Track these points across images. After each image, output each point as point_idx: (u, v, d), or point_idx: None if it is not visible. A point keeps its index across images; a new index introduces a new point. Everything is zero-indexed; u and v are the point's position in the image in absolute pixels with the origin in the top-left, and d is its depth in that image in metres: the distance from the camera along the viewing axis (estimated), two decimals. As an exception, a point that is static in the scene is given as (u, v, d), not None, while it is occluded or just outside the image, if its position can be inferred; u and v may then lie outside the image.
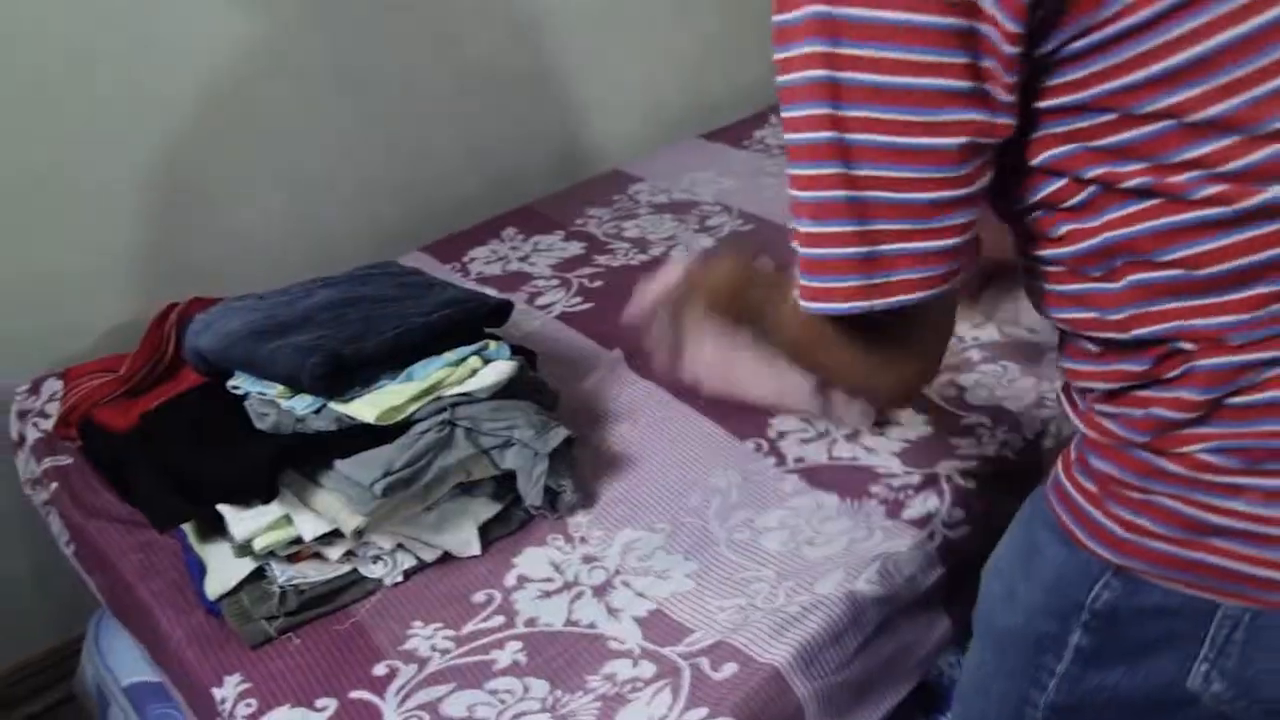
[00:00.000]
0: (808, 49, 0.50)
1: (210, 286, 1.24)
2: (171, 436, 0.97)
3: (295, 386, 0.92)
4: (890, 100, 0.50)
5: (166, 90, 1.29)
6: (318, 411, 0.91)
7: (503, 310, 1.04)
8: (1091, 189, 0.53)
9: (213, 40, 1.31)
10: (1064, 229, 0.55)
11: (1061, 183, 0.54)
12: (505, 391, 0.96)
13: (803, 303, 0.58)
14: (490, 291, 1.35)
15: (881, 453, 1.03)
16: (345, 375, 0.91)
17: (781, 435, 1.07)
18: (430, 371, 0.93)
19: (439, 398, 0.93)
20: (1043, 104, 0.52)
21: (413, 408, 0.92)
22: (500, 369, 0.95)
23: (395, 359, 0.94)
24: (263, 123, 1.40)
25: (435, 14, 1.52)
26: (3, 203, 1.21)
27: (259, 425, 0.92)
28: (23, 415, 1.19)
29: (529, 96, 1.68)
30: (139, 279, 1.34)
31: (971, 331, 1.20)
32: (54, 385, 1.19)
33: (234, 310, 1.01)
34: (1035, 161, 0.54)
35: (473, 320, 1.01)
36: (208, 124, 1.34)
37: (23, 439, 1.17)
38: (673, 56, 1.88)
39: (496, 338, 1.02)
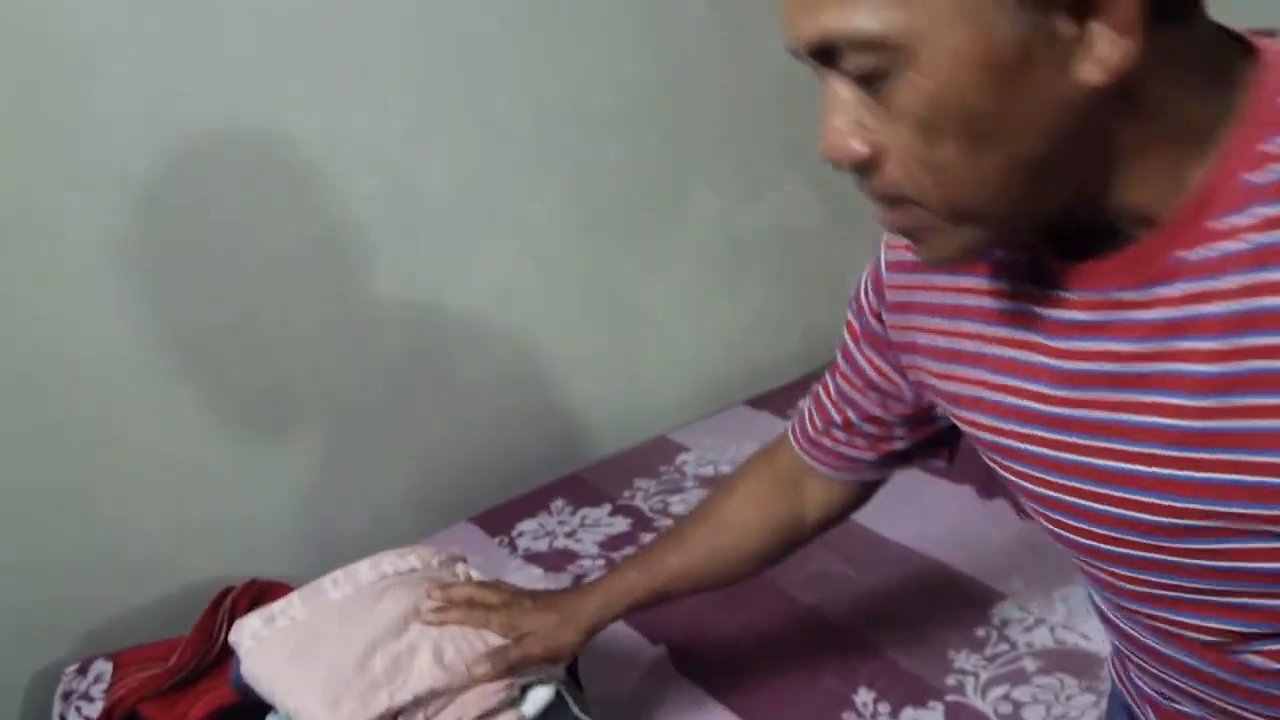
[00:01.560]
0: None
1: (262, 560, 1.27)
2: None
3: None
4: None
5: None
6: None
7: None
8: None
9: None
10: None
11: None
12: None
13: None
14: (536, 570, 1.38)
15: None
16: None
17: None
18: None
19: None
20: None
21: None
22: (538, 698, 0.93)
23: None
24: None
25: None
26: (65, 464, 1.27)
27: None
28: (67, 696, 1.19)
29: (585, 364, 1.76)
30: (188, 553, 1.38)
31: (1025, 636, 1.18)
32: (102, 667, 1.20)
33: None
34: None
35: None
36: (256, 378, 1.42)
37: (64, 722, 1.17)
38: (722, 326, 1.97)
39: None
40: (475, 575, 1.09)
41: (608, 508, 1.54)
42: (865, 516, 1.48)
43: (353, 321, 1.46)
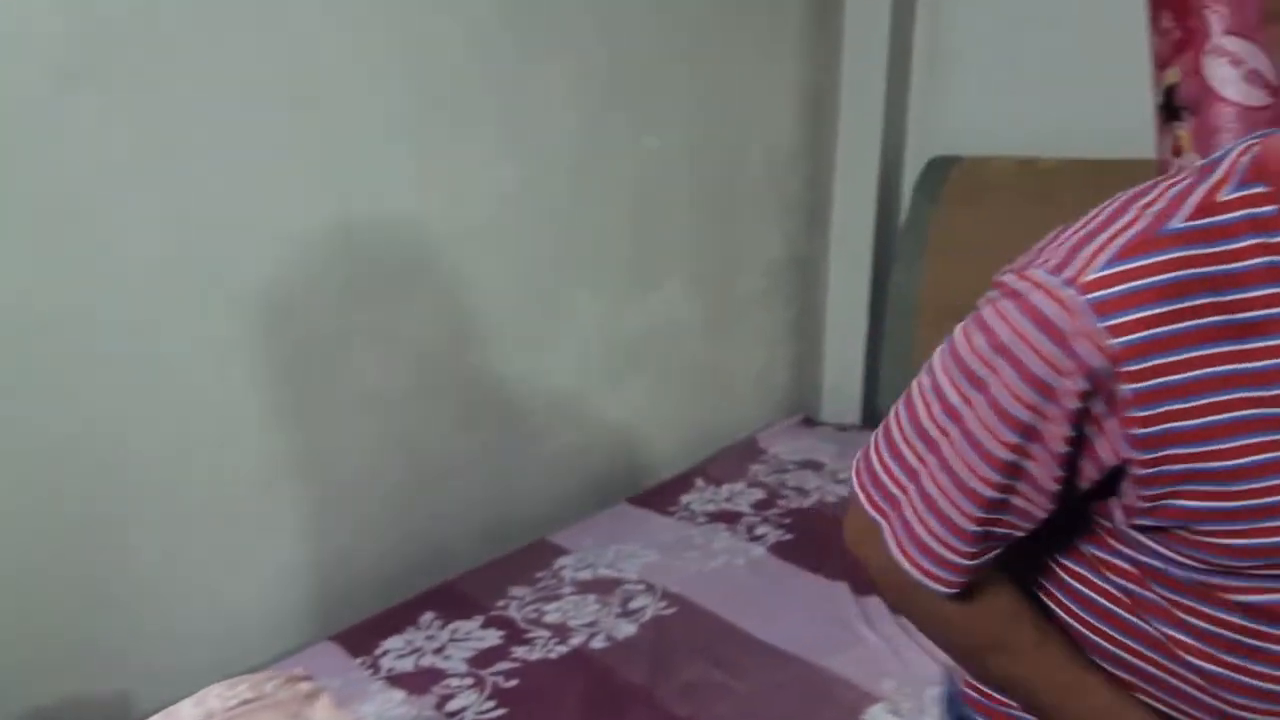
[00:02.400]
0: None
1: (113, 674, 1.16)
2: None
3: None
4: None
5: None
6: None
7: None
8: None
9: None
10: None
11: None
12: None
13: None
14: (398, 694, 1.31)
15: None
16: None
17: None
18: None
19: None
20: None
21: None
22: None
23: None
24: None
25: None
26: None
27: None
28: None
29: (459, 471, 1.71)
30: (41, 661, 1.26)
31: None
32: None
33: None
34: None
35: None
36: (134, 510, 1.33)
37: None
38: (605, 425, 1.96)
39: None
40: (325, 700, 1.02)
41: (479, 620, 1.48)
42: (741, 618, 1.48)
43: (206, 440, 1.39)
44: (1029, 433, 0.59)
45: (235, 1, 1.27)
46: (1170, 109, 1.56)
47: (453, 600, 1.54)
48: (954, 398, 0.63)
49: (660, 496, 1.92)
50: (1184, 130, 1.54)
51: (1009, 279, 0.60)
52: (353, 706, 1.25)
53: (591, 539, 1.74)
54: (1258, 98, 1.47)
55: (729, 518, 1.83)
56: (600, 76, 1.78)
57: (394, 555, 1.62)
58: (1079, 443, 0.60)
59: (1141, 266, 0.56)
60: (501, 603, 1.53)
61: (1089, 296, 0.56)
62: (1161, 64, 1.58)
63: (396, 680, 1.34)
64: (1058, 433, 0.59)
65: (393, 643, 1.43)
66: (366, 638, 1.44)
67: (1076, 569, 0.69)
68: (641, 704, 1.29)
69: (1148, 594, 0.64)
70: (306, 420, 1.48)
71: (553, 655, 1.39)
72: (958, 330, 0.64)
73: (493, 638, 1.44)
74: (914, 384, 0.67)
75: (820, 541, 1.70)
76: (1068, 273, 0.57)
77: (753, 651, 1.39)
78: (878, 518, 0.68)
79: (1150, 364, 0.56)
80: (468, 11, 1.55)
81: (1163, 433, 0.56)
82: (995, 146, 2.12)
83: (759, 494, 1.94)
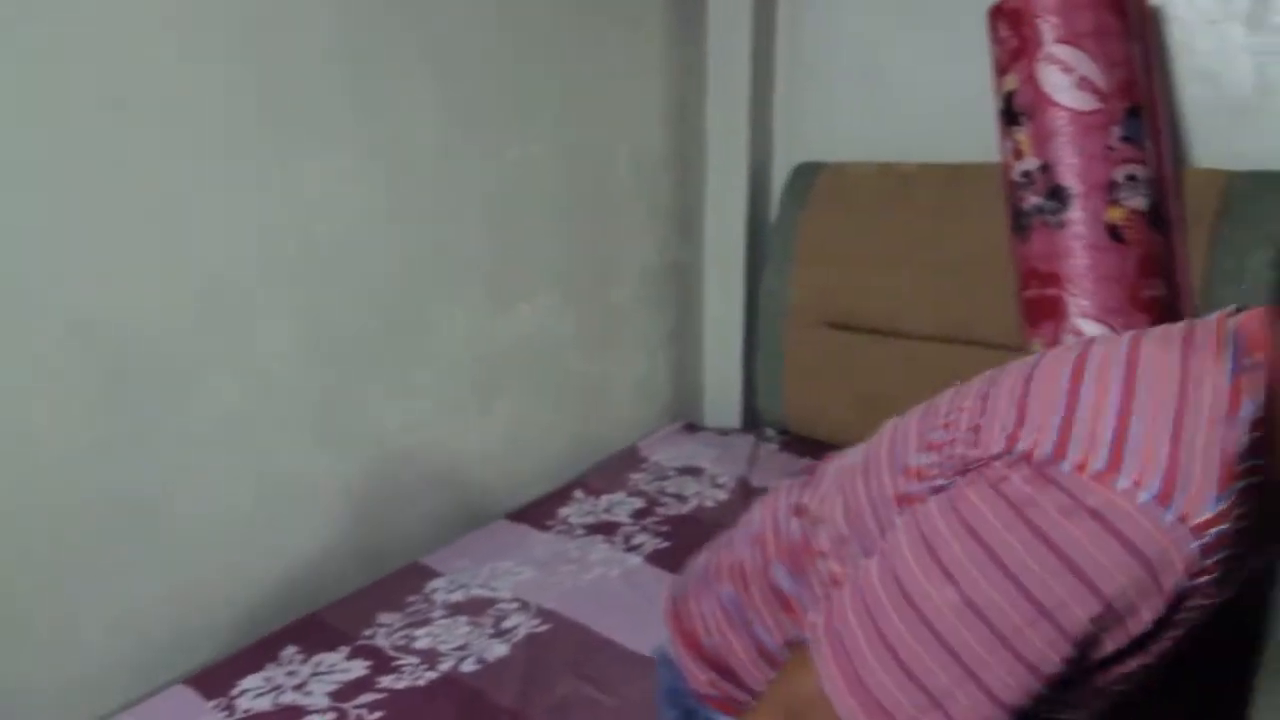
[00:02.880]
0: None
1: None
2: None
3: None
4: None
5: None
6: None
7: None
8: None
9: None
10: None
11: None
12: None
13: None
14: (256, 734, 1.25)
15: None
16: None
17: None
18: None
19: None
20: None
21: None
22: None
23: None
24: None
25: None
26: None
27: None
28: None
29: (324, 497, 1.65)
30: None
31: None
32: None
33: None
34: None
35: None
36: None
37: None
38: (478, 441, 1.92)
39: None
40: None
41: (345, 650, 1.43)
42: (614, 630, 1.47)
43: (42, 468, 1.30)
44: (1086, 642, 0.58)
45: None
46: (1010, 114, 1.63)
47: (317, 632, 1.48)
48: (986, 604, 0.58)
49: (538, 511, 1.90)
50: (1023, 134, 1.60)
51: (1075, 482, 0.56)
52: (203, 753, 1.19)
53: (467, 560, 1.70)
54: (1087, 103, 1.54)
55: (607, 529, 1.82)
56: (462, 87, 1.75)
57: (255, 589, 1.55)
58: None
59: (1237, 497, 0.55)
60: (369, 631, 1.48)
61: (1202, 542, 0.54)
62: (1001, 71, 1.65)
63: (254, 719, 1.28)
64: (1111, 646, 0.59)
65: (251, 681, 1.36)
66: (222, 678, 1.37)
67: None
68: (510, 727, 1.26)
69: None
70: (152, 450, 1.40)
71: (421, 682, 1.35)
72: (983, 521, 0.59)
73: (359, 668, 1.39)
74: (900, 580, 0.62)
75: (696, 547, 1.70)
76: (1177, 507, 0.54)
77: (624, 663, 1.38)
78: None
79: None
80: (319, 20, 1.49)
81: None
82: (857, 153, 2.17)
83: (638, 503, 1.94)
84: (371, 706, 1.30)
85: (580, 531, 1.81)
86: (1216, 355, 0.59)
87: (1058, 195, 1.56)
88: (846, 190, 2.11)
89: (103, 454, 1.34)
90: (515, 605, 1.55)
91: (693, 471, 2.08)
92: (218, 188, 1.41)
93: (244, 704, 1.31)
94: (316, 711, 1.29)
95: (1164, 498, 0.54)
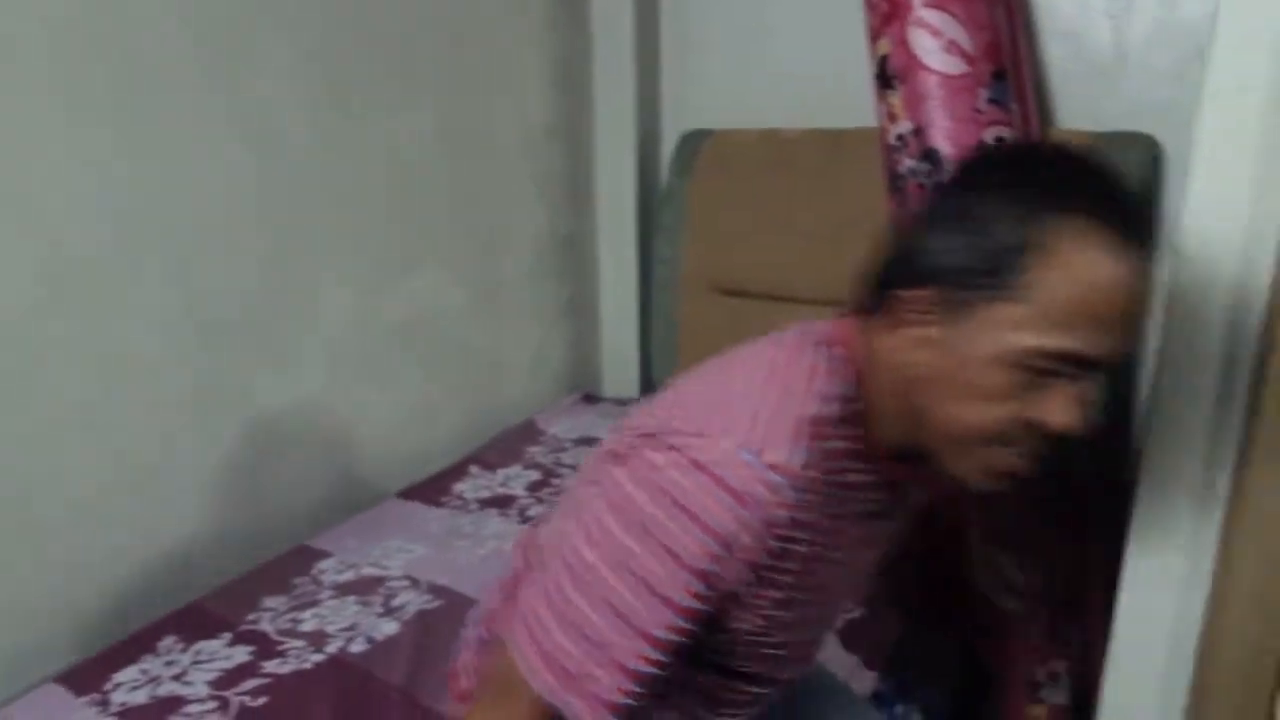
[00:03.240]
0: None
1: None
2: None
3: None
4: None
5: None
6: None
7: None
8: None
9: None
10: None
11: None
12: None
13: None
14: (133, 727, 1.21)
15: None
16: None
17: None
18: None
19: None
20: None
21: None
22: None
23: None
24: None
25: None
26: None
27: None
28: None
29: (201, 482, 1.59)
30: None
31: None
32: None
33: None
34: None
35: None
36: None
37: None
38: (367, 419, 1.88)
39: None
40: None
41: (227, 637, 1.39)
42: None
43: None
44: (709, 575, 0.73)
45: None
46: (884, 78, 1.66)
47: (198, 620, 1.43)
48: (628, 556, 0.72)
49: (431, 488, 1.87)
50: (896, 98, 1.63)
51: (686, 443, 0.72)
52: (73, 751, 1.15)
53: (356, 539, 1.67)
54: (956, 66, 1.58)
55: (502, 502, 1.81)
56: (334, 54, 1.69)
57: (132, 581, 1.49)
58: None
59: (826, 453, 0.75)
60: (252, 616, 1.44)
61: (788, 481, 0.72)
62: (874, 36, 1.67)
63: (128, 715, 1.22)
64: (732, 576, 0.74)
65: (126, 674, 1.31)
66: (96, 673, 1.31)
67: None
68: (399, 705, 1.24)
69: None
70: (7, 444, 1.33)
71: (307, 665, 1.32)
72: (623, 491, 0.74)
73: (241, 655, 1.35)
74: (568, 558, 0.75)
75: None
76: (766, 458, 0.71)
77: (516, 635, 1.38)
78: (569, 699, 0.74)
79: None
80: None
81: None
82: (745, 120, 2.18)
83: (534, 475, 1.93)
84: (254, 693, 1.26)
85: (474, 506, 1.80)
86: (799, 349, 0.79)
87: (930, 158, 1.60)
88: (731, 157, 2.12)
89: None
90: (406, 583, 1.53)
91: (590, 442, 2.08)
92: (60, 162, 1.33)
93: (119, 698, 1.26)
94: (196, 701, 1.25)
95: (757, 452, 0.71)
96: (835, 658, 1.35)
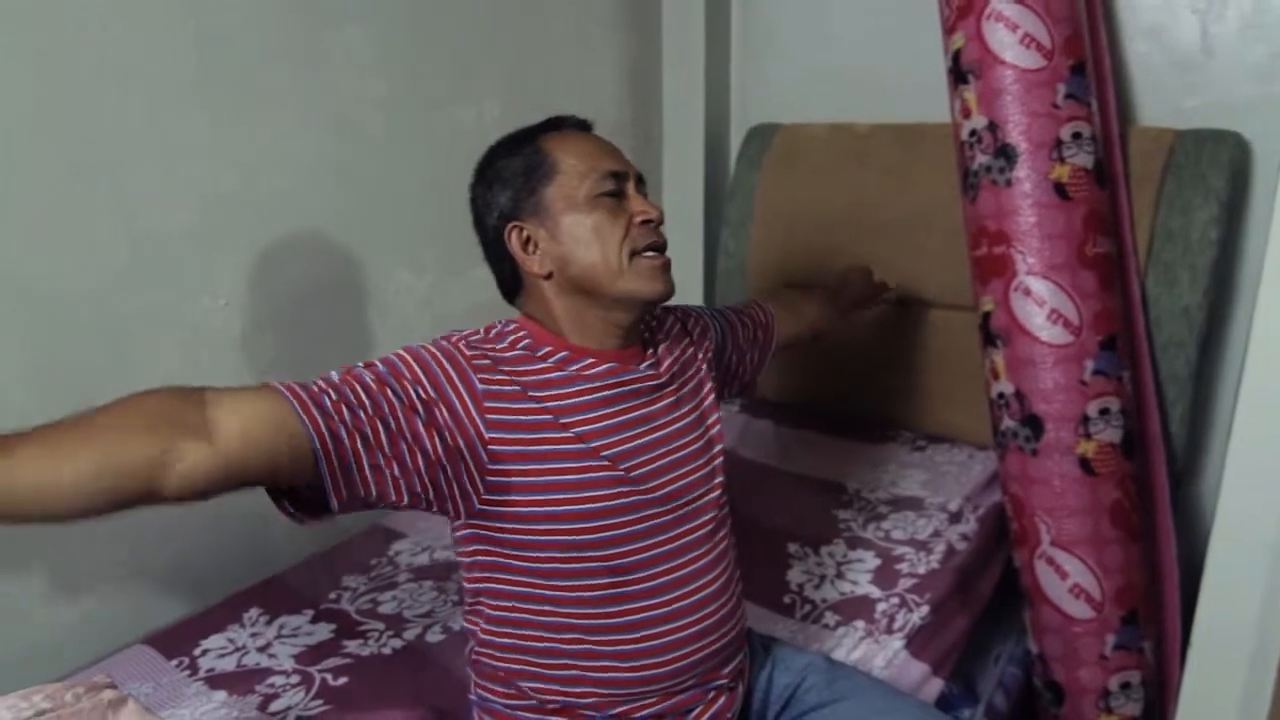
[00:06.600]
0: None
1: None
2: None
3: None
4: None
5: None
6: None
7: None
8: None
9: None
10: None
11: None
12: None
13: None
14: (220, 694, 1.26)
15: None
16: None
17: None
18: None
19: None
20: None
21: None
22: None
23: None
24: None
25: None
26: None
27: None
28: None
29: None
30: None
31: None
32: None
33: None
34: None
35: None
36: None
37: None
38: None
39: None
40: (131, 706, 0.97)
41: (309, 614, 1.44)
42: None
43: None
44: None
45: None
46: (958, 72, 1.65)
47: (281, 595, 1.49)
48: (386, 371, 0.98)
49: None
50: (970, 93, 1.62)
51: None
52: (166, 711, 1.20)
53: (426, 519, 1.71)
54: (1033, 60, 1.56)
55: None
56: (407, 44, 1.73)
57: (216, 553, 1.56)
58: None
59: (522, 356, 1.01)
60: (334, 595, 1.50)
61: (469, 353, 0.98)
62: (949, 29, 1.66)
63: (216, 681, 1.28)
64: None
65: (214, 642, 1.37)
66: (184, 638, 1.37)
67: None
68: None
69: None
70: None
71: (386, 650, 1.35)
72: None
73: (323, 632, 1.40)
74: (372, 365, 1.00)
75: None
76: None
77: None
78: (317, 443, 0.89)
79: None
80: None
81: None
82: (813, 114, 2.18)
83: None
84: (335, 671, 1.31)
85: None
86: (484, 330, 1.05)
87: (1005, 154, 1.58)
88: (800, 151, 2.12)
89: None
90: (478, 566, 1.56)
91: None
92: (154, 148, 1.40)
93: (206, 664, 1.32)
94: (280, 673, 1.30)
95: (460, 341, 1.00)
96: (903, 665, 1.36)
